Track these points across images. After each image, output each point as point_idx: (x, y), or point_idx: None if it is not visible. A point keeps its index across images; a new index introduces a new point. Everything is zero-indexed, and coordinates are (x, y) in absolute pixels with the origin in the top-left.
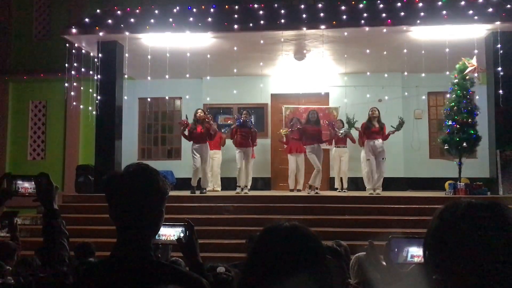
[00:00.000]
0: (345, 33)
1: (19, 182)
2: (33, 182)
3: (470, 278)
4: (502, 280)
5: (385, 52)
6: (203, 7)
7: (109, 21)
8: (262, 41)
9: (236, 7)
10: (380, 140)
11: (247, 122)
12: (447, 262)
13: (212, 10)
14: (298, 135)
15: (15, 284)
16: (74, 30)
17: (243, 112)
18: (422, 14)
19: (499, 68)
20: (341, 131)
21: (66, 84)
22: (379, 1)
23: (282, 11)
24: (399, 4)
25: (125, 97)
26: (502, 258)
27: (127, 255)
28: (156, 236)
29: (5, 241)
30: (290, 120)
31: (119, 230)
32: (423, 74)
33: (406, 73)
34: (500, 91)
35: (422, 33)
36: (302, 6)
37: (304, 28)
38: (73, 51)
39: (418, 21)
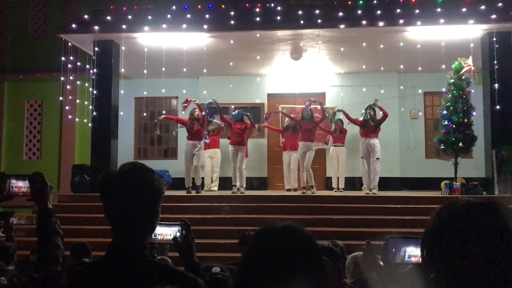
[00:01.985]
0: (342, 33)
1: (13, 181)
2: (27, 182)
3: (467, 276)
4: (499, 279)
5: (381, 52)
6: (199, 6)
7: (105, 20)
8: (258, 41)
9: (232, 7)
10: (375, 139)
11: (241, 116)
12: (445, 260)
13: (208, 9)
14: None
15: (9, 284)
16: (70, 29)
17: (235, 112)
18: (418, 14)
19: (495, 68)
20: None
21: (62, 83)
22: (375, 1)
23: (279, 11)
24: (395, 4)
25: (121, 96)
26: (499, 257)
27: (122, 255)
28: (153, 235)
29: (4, 243)
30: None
31: (114, 229)
32: (419, 74)
33: (402, 73)
34: (496, 91)
35: (418, 33)
36: (299, 6)
37: (301, 28)
38: (69, 50)
39: (414, 21)
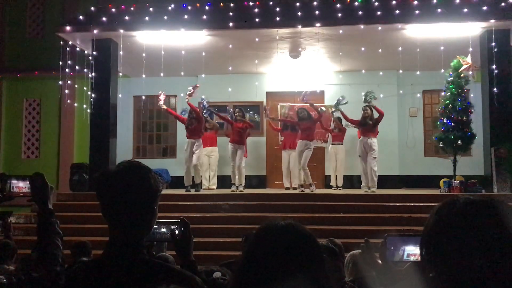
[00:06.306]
0: (340, 31)
1: (14, 181)
2: (27, 182)
3: (467, 275)
4: (500, 278)
5: (380, 50)
6: (198, 4)
7: (104, 18)
8: (257, 39)
9: (231, 4)
10: (372, 138)
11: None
12: (444, 259)
13: (207, 7)
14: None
15: (8, 284)
16: (68, 28)
17: (236, 110)
18: (417, 12)
19: (494, 66)
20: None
21: (60, 82)
22: None
23: (277, 9)
24: (394, 2)
25: (120, 95)
26: (499, 256)
27: (119, 254)
28: (151, 234)
29: (5, 241)
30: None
31: (111, 228)
32: (418, 72)
33: (401, 71)
34: (495, 89)
35: (417, 31)
36: (297, 4)
37: (299, 26)
38: (68, 49)
39: (413, 19)
